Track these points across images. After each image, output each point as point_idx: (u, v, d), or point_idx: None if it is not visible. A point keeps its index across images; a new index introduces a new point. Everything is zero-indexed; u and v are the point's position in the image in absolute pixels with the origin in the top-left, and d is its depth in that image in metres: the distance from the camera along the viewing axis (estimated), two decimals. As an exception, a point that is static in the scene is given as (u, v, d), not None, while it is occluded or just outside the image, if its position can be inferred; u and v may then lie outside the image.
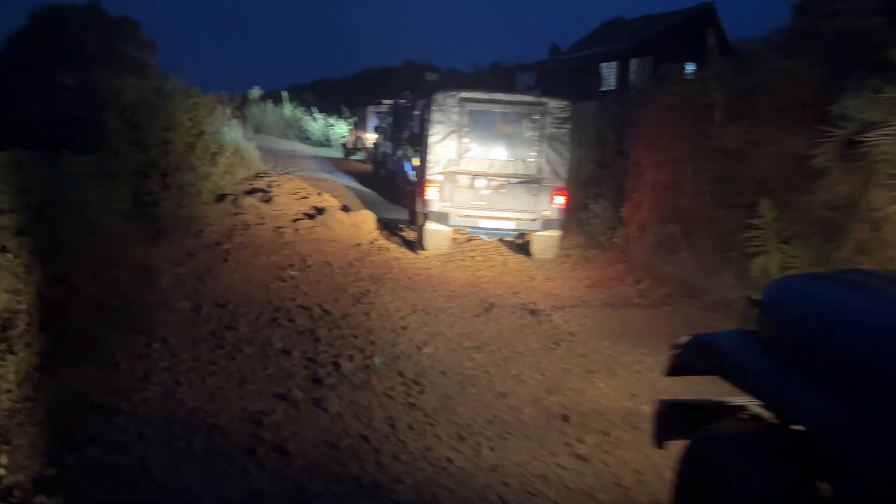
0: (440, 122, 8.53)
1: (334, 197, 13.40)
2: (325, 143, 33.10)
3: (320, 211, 11.03)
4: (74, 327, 4.76)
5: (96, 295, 5.33)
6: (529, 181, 8.68)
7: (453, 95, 8.54)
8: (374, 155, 21.99)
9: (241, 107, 29.71)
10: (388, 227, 11.12)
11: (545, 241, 8.89)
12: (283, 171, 18.01)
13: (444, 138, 8.56)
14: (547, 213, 8.74)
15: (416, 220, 9.78)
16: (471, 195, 8.65)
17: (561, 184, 8.76)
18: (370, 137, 25.04)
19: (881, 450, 1.62)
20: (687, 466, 2.31)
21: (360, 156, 26.74)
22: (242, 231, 9.41)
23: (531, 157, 8.70)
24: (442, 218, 8.63)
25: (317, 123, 33.46)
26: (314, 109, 33.98)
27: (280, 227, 9.69)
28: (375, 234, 10.55)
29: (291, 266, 7.97)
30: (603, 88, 27.14)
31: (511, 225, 8.68)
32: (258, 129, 31.52)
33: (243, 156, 14.84)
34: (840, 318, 1.97)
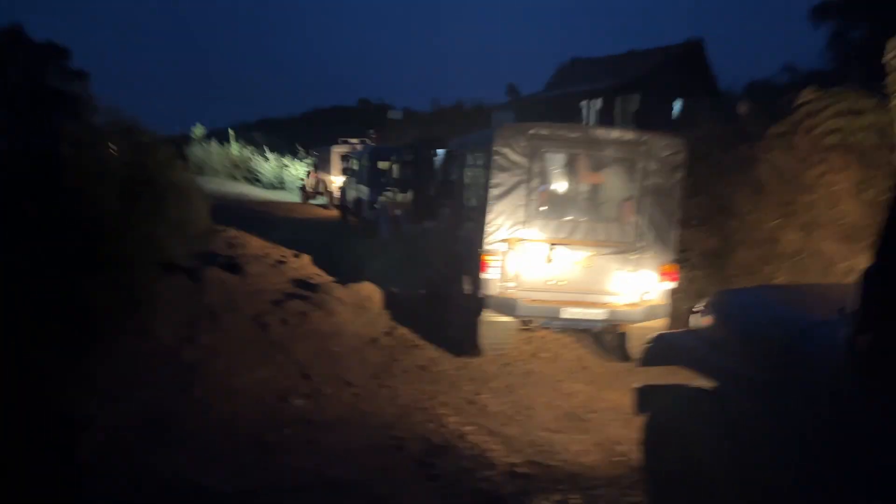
0: (503, 169, 5.92)
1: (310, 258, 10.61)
2: (279, 185, 30.09)
3: (310, 286, 8.19)
4: None
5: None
6: (627, 252, 6.12)
7: (522, 130, 5.94)
8: (343, 200, 19.19)
9: (182, 147, 26.59)
10: (399, 302, 8.37)
11: (646, 333, 6.27)
12: (239, 225, 15.07)
13: (507, 191, 5.94)
14: (651, 297, 6.17)
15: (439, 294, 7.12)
16: (546, 272, 6.03)
17: (669, 255, 6.23)
18: (334, 181, 22.28)
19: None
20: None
21: (321, 200, 23.89)
22: (209, 324, 6.50)
23: (630, 218, 6.17)
24: (506, 305, 5.95)
25: (269, 164, 30.45)
26: (265, 149, 30.97)
27: (261, 316, 6.83)
28: (387, 316, 7.78)
29: (293, 393, 5.14)
30: (584, 127, 25.18)
31: (602, 314, 6.06)
32: (201, 171, 28.29)
33: (193, 206, 11.85)
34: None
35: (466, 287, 6.30)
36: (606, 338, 6.98)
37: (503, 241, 5.98)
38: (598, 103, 24.83)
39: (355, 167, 17.70)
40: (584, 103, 25.26)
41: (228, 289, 7.84)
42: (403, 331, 7.22)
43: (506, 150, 5.92)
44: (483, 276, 5.98)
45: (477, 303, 6.12)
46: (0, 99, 17.08)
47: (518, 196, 5.97)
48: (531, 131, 5.95)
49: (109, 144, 7.47)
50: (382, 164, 15.96)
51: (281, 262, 9.60)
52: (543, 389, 5.78)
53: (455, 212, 7.26)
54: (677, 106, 25.01)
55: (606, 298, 6.16)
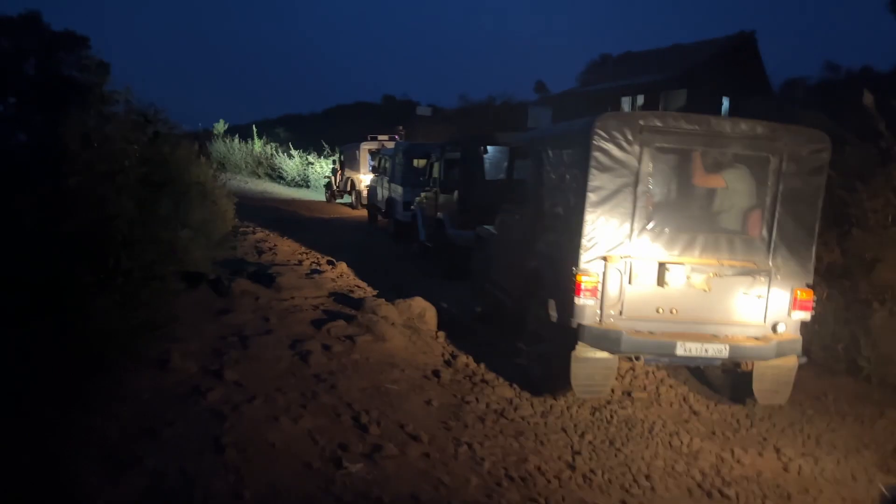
0: (604, 169, 4.75)
1: (347, 265, 9.53)
2: (303, 183, 29.12)
3: (352, 302, 7.09)
4: None
5: None
6: (755, 272, 4.93)
7: (628, 121, 4.77)
8: (373, 199, 18.10)
9: (204, 142, 25.67)
10: (452, 321, 7.25)
11: (777, 374, 5.11)
12: (265, 225, 14.02)
13: (609, 197, 4.77)
14: (783, 328, 4.98)
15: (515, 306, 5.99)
16: (657, 298, 4.86)
17: (805, 277, 5.03)
18: (362, 179, 21.20)
19: None
20: None
21: (348, 199, 22.84)
22: (239, 352, 5.41)
23: (758, 231, 4.98)
24: (607, 339, 4.78)
25: (293, 161, 29.46)
26: (290, 146, 29.99)
27: (300, 341, 5.72)
28: (443, 339, 6.66)
29: (345, 449, 4.01)
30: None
31: (725, 350, 4.87)
32: (223, 167, 27.34)
33: (217, 206, 10.80)
34: None
35: (551, 313, 5.14)
36: (712, 371, 5.80)
37: (603, 258, 4.81)
38: (640, 99, 23.57)
39: (387, 165, 16.59)
40: (625, 99, 24.03)
41: (260, 305, 6.78)
42: (465, 359, 6.08)
43: (608, 146, 4.75)
44: (577, 301, 4.81)
45: (566, 333, 4.96)
46: (13, 89, 16.20)
47: (622, 203, 4.80)
48: (641, 122, 4.78)
49: (126, 139, 6.41)
50: (419, 162, 14.87)
51: (316, 272, 8.52)
52: (654, 446, 4.61)
53: (528, 219, 6.11)
54: (725, 104, 23.69)
55: (729, 330, 4.98)
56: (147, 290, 5.53)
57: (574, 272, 4.82)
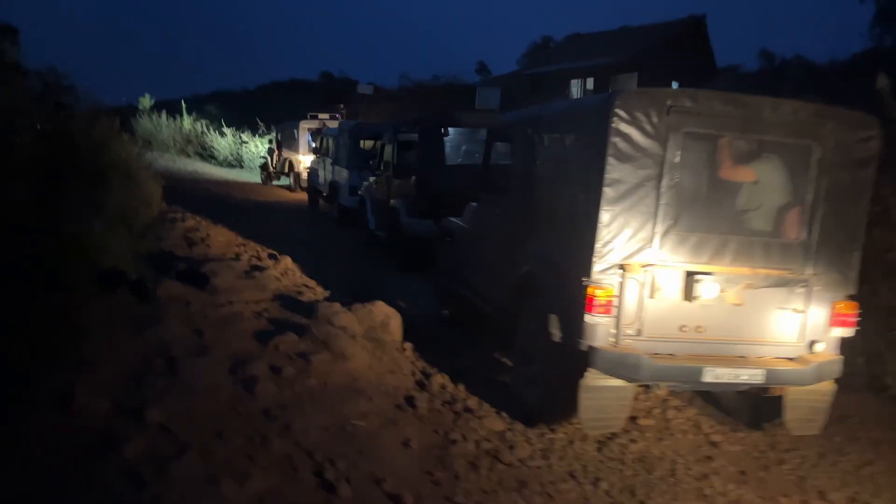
0: (624, 157, 3.88)
1: (291, 259, 8.50)
2: (236, 163, 27.48)
3: (303, 307, 6.09)
4: None
5: None
6: (792, 282, 4.16)
7: (654, 100, 3.91)
8: (314, 182, 16.88)
9: (128, 118, 23.75)
10: (416, 326, 6.32)
11: (813, 401, 4.36)
12: (197, 210, 12.69)
13: (629, 192, 3.91)
14: (822, 347, 4.25)
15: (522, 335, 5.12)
16: (680, 314, 4.04)
17: (847, 287, 4.29)
18: (302, 160, 19.88)
19: None
20: None
21: (285, 181, 21.50)
22: (165, 380, 4.32)
23: (795, 233, 4.21)
24: (624, 364, 3.93)
25: (225, 140, 27.74)
26: (222, 123, 28.22)
27: (244, 364, 4.66)
28: (411, 352, 5.74)
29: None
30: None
31: (759, 375, 4.10)
32: (150, 146, 25.46)
33: (141, 189, 9.51)
34: None
35: (553, 331, 4.25)
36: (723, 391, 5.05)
37: (620, 266, 3.95)
38: (589, 83, 22.96)
39: (330, 146, 15.41)
40: (574, 82, 23.37)
41: (193, 314, 5.68)
42: (441, 379, 5.17)
43: (630, 130, 3.88)
44: (588, 319, 3.95)
45: (571, 356, 4.09)
46: None
47: (644, 200, 3.94)
48: (669, 101, 3.92)
49: (17, 110, 5.16)
50: (366, 144, 13.78)
51: (257, 268, 7.42)
52: (684, 496, 3.81)
53: (513, 214, 5.21)
54: (674, 87, 23.32)
55: (761, 350, 4.21)
56: (43, 299, 4.40)
57: (585, 283, 3.95)
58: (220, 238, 9.61)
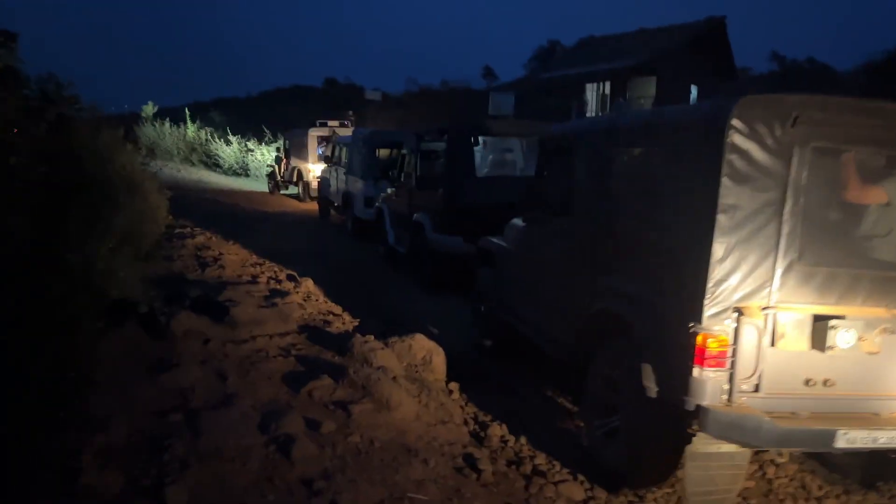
0: (742, 179, 3.22)
1: (313, 282, 7.85)
2: (242, 172, 26.85)
3: (335, 341, 5.43)
4: None
5: None
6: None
7: (778, 108, 3.25)
8: (325, 192, 16.22)
9: (131, 126, 23.15)
10: (462, 361, 5.66)
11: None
12: (205, 223, 12.04)
13: (747, 220, 3.25)
14: (963, 401, 3.59)
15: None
16: (807, 364, 3.37)
17: None
18: (311, 168, 19.24)
19: None
20: None
21: (294, 190, 20.87)
22: (186, 442, 3.65)
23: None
24: (741, 427, 3.27)
25: (231, 148, 27.13)
26: (228, 131, 27.61)
27: (276, 417, 3.98)
28: (458, 393, 5.08)
29: None
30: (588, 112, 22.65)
31: None
32: (153, 154, 24.86)
33: (147, 203, 8.83)
34: None
35: (647, 384, 3.58)
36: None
37: (736, 309, 3.28)
38: (606, 87, 22.32)
39: (342, 154, 14.77)
40: (590, 86, 22.73)
41: (212, 352, 5.03)
42: (499, 430, 4.49)
43: (749, 146, 3.22)
44: (697, 373, 3.28)
45: (670, 414, 3.42)
46: None
47: (765, 229, 3.28)
48: (795, 111, 3.25)
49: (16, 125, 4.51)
50: (381, 152, 13.15)
51: (277, 293, 6.77)
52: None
53: (579, 238, 4.55)
54: (694, 92, 22.69)
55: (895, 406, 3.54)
56: (45, 343, 3.73)
57: (693, 330, 3.28)
58: (233, 257, 8.95)
